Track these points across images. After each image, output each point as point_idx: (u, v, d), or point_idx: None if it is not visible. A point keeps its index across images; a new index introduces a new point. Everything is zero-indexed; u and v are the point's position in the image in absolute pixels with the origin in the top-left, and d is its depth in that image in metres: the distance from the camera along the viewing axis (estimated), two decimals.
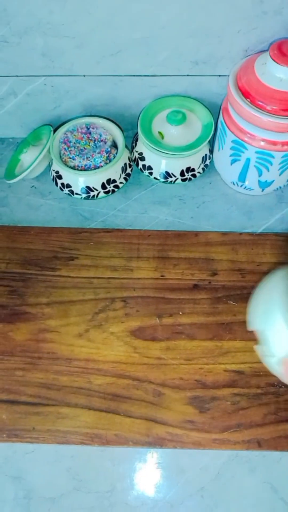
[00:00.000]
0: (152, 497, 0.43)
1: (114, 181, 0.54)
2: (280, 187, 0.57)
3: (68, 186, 0.54)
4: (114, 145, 0.56)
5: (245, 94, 0.48)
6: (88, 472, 0.44)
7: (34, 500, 0.42)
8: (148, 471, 0.43)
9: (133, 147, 0.58)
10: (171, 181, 0.56)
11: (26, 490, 0.43)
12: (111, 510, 0.43)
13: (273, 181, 0.54)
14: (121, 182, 0.55)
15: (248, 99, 0.48)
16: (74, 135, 0.54)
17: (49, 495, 0.43)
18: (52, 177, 0.56)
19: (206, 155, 0.56)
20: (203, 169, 0.57)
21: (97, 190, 0.54)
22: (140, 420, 0.43)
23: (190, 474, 0.43)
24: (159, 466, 0.43)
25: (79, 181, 0.53)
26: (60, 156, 0.54)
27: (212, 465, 0.44)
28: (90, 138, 0.54)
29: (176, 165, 0.54)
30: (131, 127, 0.59)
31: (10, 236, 0.53)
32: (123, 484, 0.43)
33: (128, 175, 0.56)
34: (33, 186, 0.58)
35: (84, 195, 0.54)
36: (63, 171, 0.53)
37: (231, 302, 0.49)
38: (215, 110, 0.57)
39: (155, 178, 0.56)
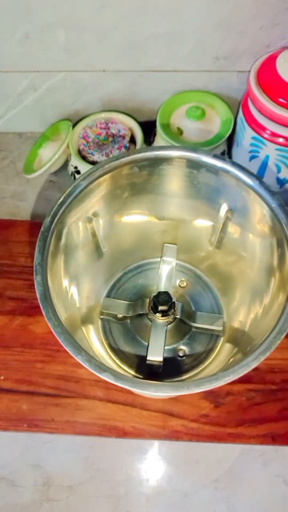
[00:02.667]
0: (167, 487, 0.44)
1: None
2: None
3: None
4: (132, 140, 0.56)
5: (266, 91, 0.48)
6: (105, 462, 0.45)
7: (53, 487, 0.44)
8: (163, 462, 0.44)
9: (151, 142, 0.58)
10: None
11: (45, 478, 0.44)
12: (126, 498, 0.44)
13: None
14: None
15: (268, 96, 0.47)
16: (93, 130, 0.55)
17: (67, 483, 0.44)
18: (70, 172, 0.57)
19: (224, 151, 0.56)
20: None
21: None
22: (157, 413, 0.44)
23: (205, 466, 0.44)
24: (175, 458, 0.44)
25: None
26: (79, 151, 0.55)
27: (226, 458, 0.44)
28: (108, 133, 0.55)
29: None
30: (149, 122, 0.59)
31: (29, 231, 0.54)
32: (139, 474, 0.44)
33: None
34: (51, 180, 0.59)
35: None
36: (82, 166, 0.54)
37: None
38: (235, 105, 0.57)
39: None
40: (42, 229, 0.32)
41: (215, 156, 0.33)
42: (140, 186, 0.37)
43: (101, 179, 0.34)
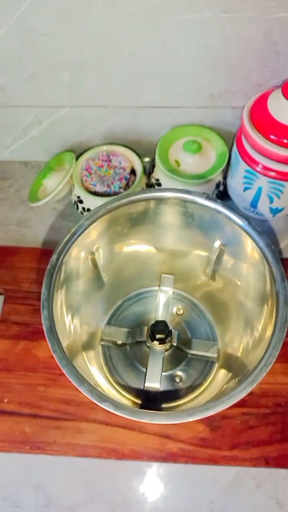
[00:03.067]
0: (164, 508, 0.45)
1: None
2: None
3: (89, 210, 0.57)
4: (133, 171, 0.59)
5: (258, 128, 0.50)
6: (104, 483, 0.46)
7: (54, 509, 0.45)
8: (160, 484, 0.46)
9: (150, 173, 0.61)
10: None
11: (46, 499, 0.45)
12: None
13: (283, 208, 0.57)
14: None
15: (260, 133, 0.50)
16: (96, 162, 0.58)
17: (68, 504, 0.45)
18: (73, 201, 0.59)
19: (220, 181, 0.59)
20: (216, 195, 0.60)
21: None
22: (154, 436, 0.46)
23: (200, 488, 0.46)
24: (171, 480, 0.46)
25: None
26: (82, 182, 0.57)
27: (221, 480, 0.46)
28: (110, 165, 0.58)
29: None
30: (148, 153, 0.62)
31: (34, 257, 0.56)
32: (136, 495, 0.45)
33: None
34: (54, 208, 0.61)
35: None
36: (84, 196, 0.56)
37: None
38: (230, 138, 0.59)
39: None
40: (48, 266, 0.34)
41: (208, 198, 0.36)
42: (139, 222, 0.40)
43: (103, 218, 0.37)
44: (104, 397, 0.30)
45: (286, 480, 0.46)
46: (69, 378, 0.31)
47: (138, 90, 0.55)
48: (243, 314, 0.43)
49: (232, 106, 0.57)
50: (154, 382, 0.39)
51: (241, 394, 0.29)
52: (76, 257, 0.38)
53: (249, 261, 0.40)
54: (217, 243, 0.41)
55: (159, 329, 0.40)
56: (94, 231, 0.38)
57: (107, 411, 0.47)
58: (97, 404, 0.48)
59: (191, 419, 0.29)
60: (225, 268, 0.44)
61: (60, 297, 0.37)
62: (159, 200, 0.38)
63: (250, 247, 0.38)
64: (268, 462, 0.46)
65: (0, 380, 0.49)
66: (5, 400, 0.48)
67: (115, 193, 0.56)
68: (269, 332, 0.34)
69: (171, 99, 0.56)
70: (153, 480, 0.46)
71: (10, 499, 0.45)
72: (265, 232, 0.58)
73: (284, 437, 0.47)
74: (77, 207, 0.59)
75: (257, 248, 0.35)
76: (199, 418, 0.29)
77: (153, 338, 0.41)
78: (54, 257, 0.35)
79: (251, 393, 0.48)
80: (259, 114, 0.51)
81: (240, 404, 0.48)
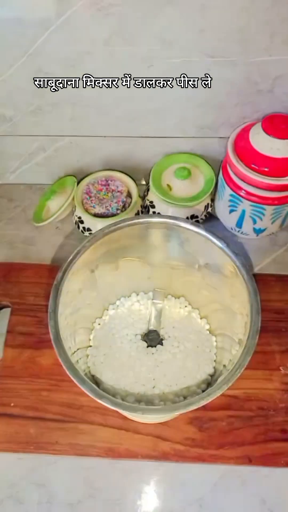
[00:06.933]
0: (156, 505, 0.49)
1: None
2: (273, 233, 0.65)
3: (89, 229, 0.63)
4: (129, 195, 0.64)
5: (241, 158, 0.56)
6: (102, 481, 0.50)
7: (55, 505, 0.49)
8: (154, 482, 0.50)
9: (145, 196, 0.66)
10: None
11: (48, 496, 0.49)
12: None
13: (266, 228, 0.62)
14: None
15: (243, 162, 0.56)
16: (95, 186, 0.63)
17: (68, 501, 0.49)
18: (74, 221, 0.65)
19: (208, 204, 0.65)
20: (205, 215, 0.65)
21: None
22: (148, 437, 0.50)
23: (190, 486, 0.50)
24: (164, 477, 0.50)
25: (97, 225, 0.61)
26: (83, 204, 0.63)
27: (209, 478, 0.50)
28: (108, 189, 0.63)
29: (181, 213, 0.63)
30: (143, 178, 0.68)
31: (38, 273, 0.61)
32: (132, 493, 0.49)
33: None
34: (57, 227, 0.67)
35: None
36: (85, 217, 0.62)
37: None
38: (217, 164, 0.65)
39: None
40: (55, 282, 0.39)
41: (191, 223, 0.42)
42: (133, 243, 0.45)
43: (101, 240, 0.42)
44: (102, 395, 0.34)
45: (269, 478, 0.50)
46: (72, 379, 0.36)
47: (134, 123, 0.61)
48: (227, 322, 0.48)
49: (219, 136, 0.63)
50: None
51: (218, 391, 0.34)
52: (78, 274, 0.43)
53: (227, 277, 0.45)
54: (202, 261, 0.46)
55: (151, 337, 0.45)
56: (94, 251, 0.43)
57: (105, 413, 0.51)
58: (96, 408, 0.52)
59: (176, 413, 0.33)
60: (208, 283, 0.49)
61: (63, 310, 0.42)
62: (150, 225, 0.43)
63: (229, 267, 0.43)
64: (251, 460, 0.50)
65: (7, 386, 0.53)
66: (12, 404, 0.52)
67: (112, 214, 0.61)
68: (244, 338, 0.39)
69: (163, 130, 0.62)
70: (147, 478, 0.50)
71: (15, 496, 0.49)
72: (251, 249, 0.64)
73: (266, 437, 0.50)
74: (78, 227, 0.64)
75: (235, 266, 0.41)
76: (183, 412, 0.33)
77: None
78: (59, 274, 0.40)
79: (236, 397, 0.53)
80: (242, 145, 0.57)
81: (226, 407, 0.52)
